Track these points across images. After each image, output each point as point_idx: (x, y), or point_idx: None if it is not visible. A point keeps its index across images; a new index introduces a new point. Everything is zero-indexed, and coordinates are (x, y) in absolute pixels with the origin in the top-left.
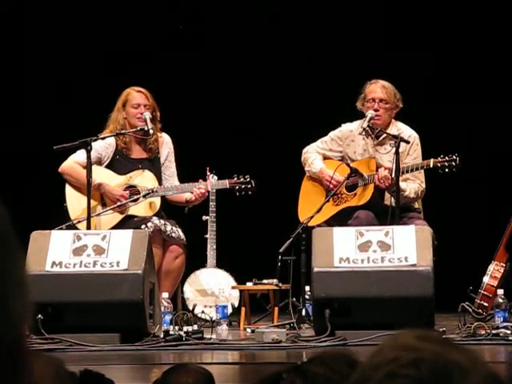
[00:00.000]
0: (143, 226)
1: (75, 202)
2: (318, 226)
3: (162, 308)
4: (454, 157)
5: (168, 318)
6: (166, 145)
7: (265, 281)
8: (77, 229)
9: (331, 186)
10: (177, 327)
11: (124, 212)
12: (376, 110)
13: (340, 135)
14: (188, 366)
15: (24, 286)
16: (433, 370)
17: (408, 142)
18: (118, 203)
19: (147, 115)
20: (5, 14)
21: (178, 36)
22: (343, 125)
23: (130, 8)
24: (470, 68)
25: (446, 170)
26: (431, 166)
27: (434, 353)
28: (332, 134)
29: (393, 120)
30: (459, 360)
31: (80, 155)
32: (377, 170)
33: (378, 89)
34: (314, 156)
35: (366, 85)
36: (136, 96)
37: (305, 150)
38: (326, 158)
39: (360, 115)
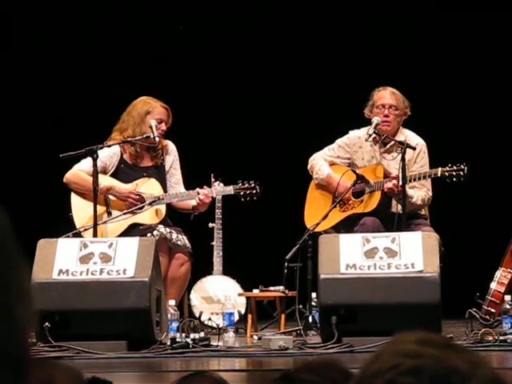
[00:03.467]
0: (149, 235)
1: (80, 211)
2: (325, 232)
3: (169, 315)
4: (462, 166)
5: (175, 325)
6: (171, 152)
7: (271, 288)
8: (83, 237)
9: (338, 191)
10: (184, 334)
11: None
12: (386, 116)
13: (348, 142)
14: (206, 373)
15: (27, 295)
16: (433, 378)
17: (414, 149)
18: (124, 211)
19: (153, 122)
20: (12, 19)
21: (181, 40)
22: (351, 132)
23: (134, 14)
24: (479, 76)
25: (454, 179)
26: (439, 174)
27: (434, 358)
28: (339, 141)
29: (400, 127)
30: (460, 365)
31: (84, 164)
32: (384, 177)
33: (387, 95)
34: (320, 163)
35: (373, 92)
36: (161, 111)
37: (311, 158)
38: (333, 164)
39: (367, 122)
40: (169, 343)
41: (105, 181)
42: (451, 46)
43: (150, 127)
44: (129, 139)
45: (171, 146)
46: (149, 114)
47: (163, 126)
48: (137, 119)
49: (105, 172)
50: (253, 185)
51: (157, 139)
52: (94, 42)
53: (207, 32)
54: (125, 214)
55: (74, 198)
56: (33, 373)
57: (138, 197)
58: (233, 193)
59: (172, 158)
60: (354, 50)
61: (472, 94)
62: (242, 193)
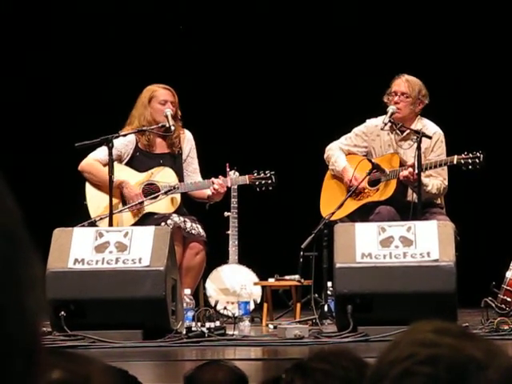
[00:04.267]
0: (163, 224)
1: (95, 200)
2: (340, 220)
3: (185, 304)
4: (478, 154)
5: (190, 314)
6: (187, 141)
7: (287, 277)
8: (98, 226)
9: (352, 185)
10: (199, 323)
11: (140, 212)
12: (396, 103)
13: (365, 130)
14: (221, 362)
15: (37, 284)
16: (449, 367)
17: (430, 138)
18: (139, 200)
19: (168, 112)
20: (26, 13)
21: (193, 33)
22: (368, 120)
23: (149, 5)
24: (498, 65)
25: (470, 166)
26: (455, 162)
27: (450, 347)
28: (356, 129)
29: (419, 116)
30: (476, 354)
31: (99, 153)
32: (400, 166)
33: (401, 82)
34: (337, 154)
35: (393, 79)
36: (163, 93)
37: (328, 148)
38: (350, 153)
39: (384, 111)
40: (184, 332)
41: (119, 173)
42: (470, 33)
43: (166, 116)
44: (144, 128)
45: (188, 134)
46: (152, 98)
47: (170, 106)
48: (140, 109)
49: (120, 160)
50: (268, 174)
51: (172, 128)
52: (111, 31)
53: (224, 20)
54: (140, 203)
55: (89, 187)
56: (49, 363)
57: (139, 205)
58: (248, 182)
59: (189, 146)
60: (372, 38)
61: (489, 83)
62: (257, 182)
